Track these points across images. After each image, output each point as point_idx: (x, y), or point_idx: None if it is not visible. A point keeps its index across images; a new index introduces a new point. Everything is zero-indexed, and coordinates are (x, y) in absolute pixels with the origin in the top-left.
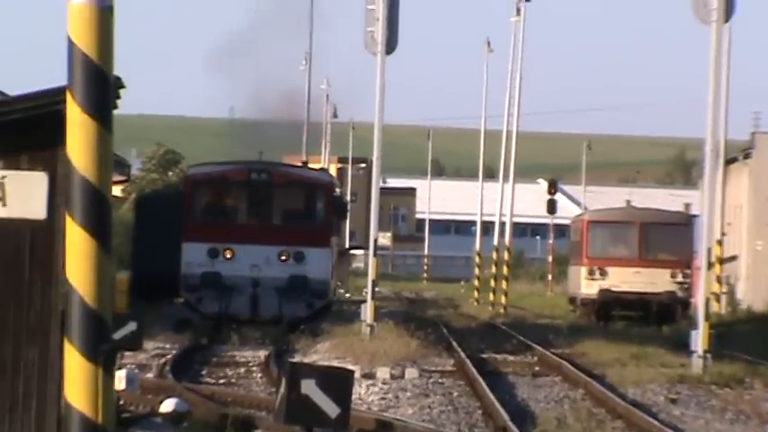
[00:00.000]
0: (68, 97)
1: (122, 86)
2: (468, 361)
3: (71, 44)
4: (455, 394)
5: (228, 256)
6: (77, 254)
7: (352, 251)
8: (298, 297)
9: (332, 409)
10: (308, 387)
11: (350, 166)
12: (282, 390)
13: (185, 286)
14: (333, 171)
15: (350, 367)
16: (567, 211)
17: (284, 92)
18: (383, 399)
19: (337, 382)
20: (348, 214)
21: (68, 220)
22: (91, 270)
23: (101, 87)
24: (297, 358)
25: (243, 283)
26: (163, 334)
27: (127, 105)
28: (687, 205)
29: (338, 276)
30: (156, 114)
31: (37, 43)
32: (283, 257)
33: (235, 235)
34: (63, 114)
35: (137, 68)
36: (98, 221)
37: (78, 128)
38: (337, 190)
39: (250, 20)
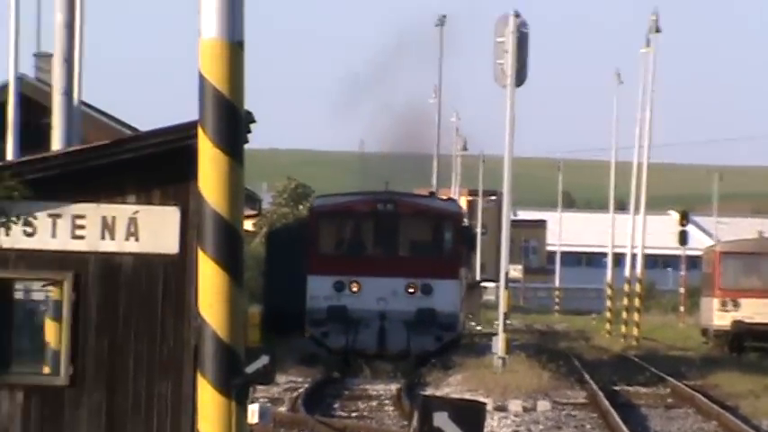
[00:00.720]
0: (200, 132)
1: (253, 121)
2: (600, 393)
3: (202, 79)
4: (588, 426)
5: (355, 289)
6: (210, 288)
7: (482, 284)
8: (426, 330)
9: None
10: (441, 420)
11: (480, 199)
12: (415, 423)
13: (311, 321)
14: (463, 204)
15: (482, 400)
16: (698, 243)
17: (414, 125)
18: (515, 431)
19: (470, 415)
20: (478, 246)
21: (200, 254)
22: (223, 304)
23: (232, 122)
24: (429, 391)
25: (369, 316)
26: (295, 367)
27: (257, 139)
28: None
29: (469, 309)
30: (286, 148)
31: (167, 78)
32: (411, 290)
33: (361, 267)
34: (194, 149)
35: (268, 103)
36: (230, 255)
37: (210, 162)
38: (465, 220)
39: (380, 54)
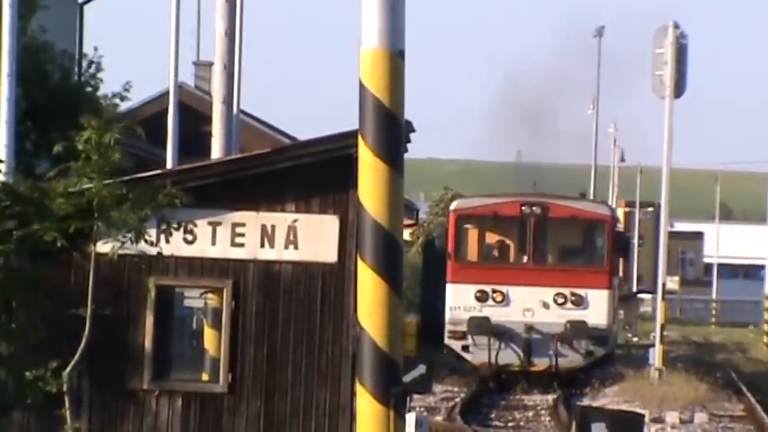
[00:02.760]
0: (360, 141)
1: (412, 130)
2: (758, 406)
3: (362, 88)
4: None
5: (498, 299)
6: (368, 297)
7: (639, 295)
8: (576, 345)
9: None
10: (599, 430)
11: (637, 210)
12: None
13: (450, 333)
14: (620, 214)
15: (639, 411)
16: None
17: (571, 136)
18: None
19: (628, 426)
20: (634, 253)
21: (360, 263)
22: (382, 313)
23: (392, 131)
24: (585, 402)
25: (515, 329)
26: (451, 377)
27: (416, 149)
28: None
29: (625, 320)
30: (444, 158)
31: (326, 88)
32: (560, 300)
33: (505, 275)
34: (353, 158)
35: (426, 112)
36: (389, 265)
37: (369, 171)
38: (619, 225)
39: (538, 65)
